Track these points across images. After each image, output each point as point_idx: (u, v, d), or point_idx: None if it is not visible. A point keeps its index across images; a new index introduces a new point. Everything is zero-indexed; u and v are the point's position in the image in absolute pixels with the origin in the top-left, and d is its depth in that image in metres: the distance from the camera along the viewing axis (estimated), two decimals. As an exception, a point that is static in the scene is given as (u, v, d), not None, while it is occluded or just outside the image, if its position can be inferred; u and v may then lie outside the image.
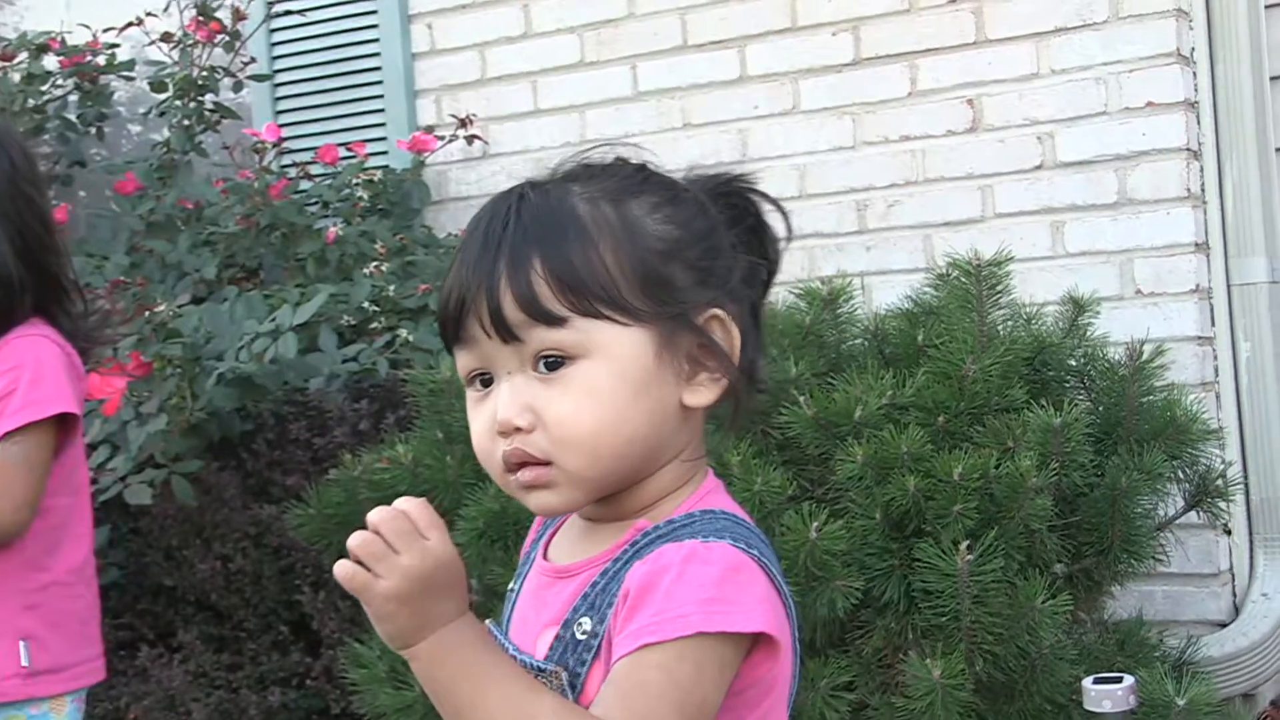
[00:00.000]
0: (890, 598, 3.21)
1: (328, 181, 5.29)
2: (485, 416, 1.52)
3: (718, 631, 1.41)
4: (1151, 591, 4.24)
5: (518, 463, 1.50)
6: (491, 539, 3.44)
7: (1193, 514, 3.75)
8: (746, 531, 1.52)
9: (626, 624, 1.43)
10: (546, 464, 1.49)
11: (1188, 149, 4.34)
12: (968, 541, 3.09)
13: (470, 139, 5.19)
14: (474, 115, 5.23)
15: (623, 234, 1.52)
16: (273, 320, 4.28)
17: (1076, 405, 3.43)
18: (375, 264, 4.79)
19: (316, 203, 5.26)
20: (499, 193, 1.57)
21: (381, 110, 5.59)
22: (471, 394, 1.56)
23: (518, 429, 1.49)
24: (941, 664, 3.03)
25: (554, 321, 1.48)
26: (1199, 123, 4.42)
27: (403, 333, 4.50)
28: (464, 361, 1.54)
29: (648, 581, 1.44)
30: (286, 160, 5.49)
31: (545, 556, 1.64)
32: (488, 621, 1.63)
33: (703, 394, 1.54)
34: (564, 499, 1.52)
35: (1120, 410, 3.56)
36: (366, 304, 4.64)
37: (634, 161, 1.61)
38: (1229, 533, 4.34)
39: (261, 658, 4.46)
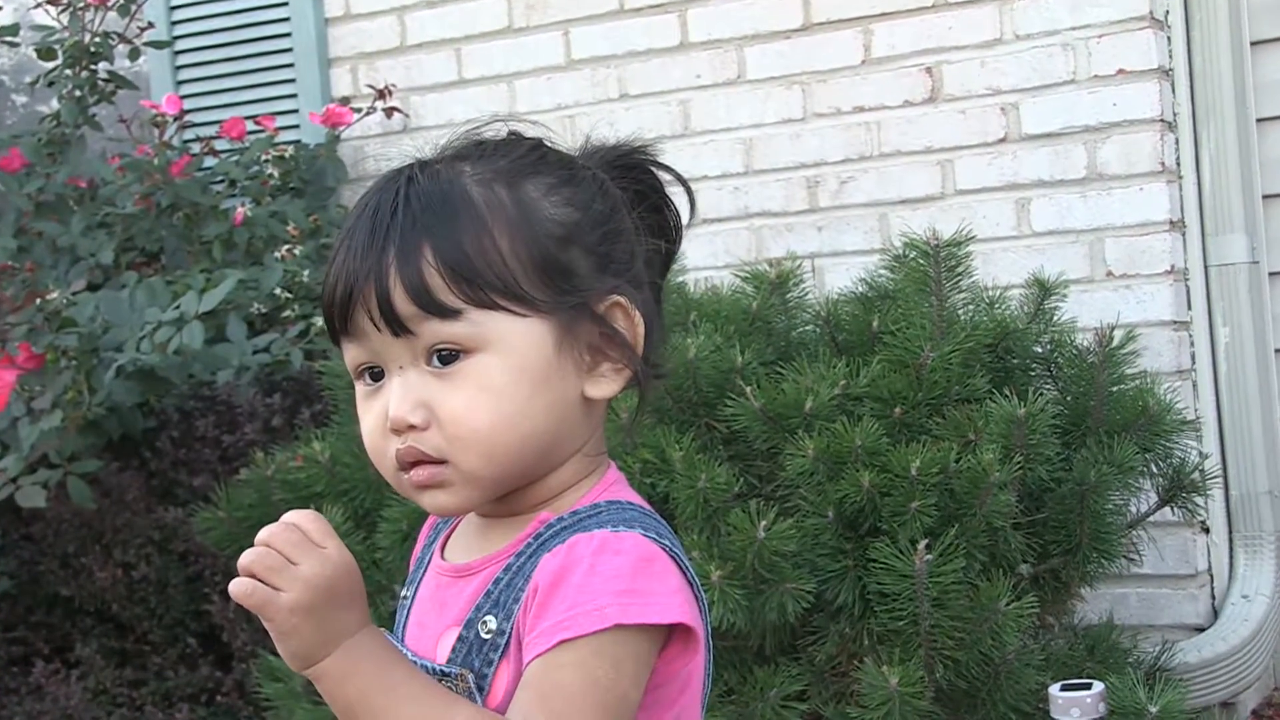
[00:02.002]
0: (844, 601, 3.26)
1: (234, 158, 5.31)
2: (376, 413, 1.55)
3: (635, 624, 1.45)
4: (1124, 594, 4.32)
5: (411, 461, 1.53)
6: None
7: (1167, 511, 3.83)
8: (655, 523, 1.56)
9: (538, 620, 1.47)
10: (441, 463, 1.52)
11: (1162, 120, 4.41)
12: (926, 540, 3.14)
13: (389, 111, 5.22)
14: (393, 86, 5.26)
15: (518, 218, 1.54)
16: (176, 308, 4.30)
17: (1042, 395, 3.49)
18: (287, 247, 4.82)
19: (222, 181, 5.28)
20: (385, 174, 1.59)
21: (292, 80, 5.61)
22: (361, 388, 1.58)
23: (411, 427, 1.52)
24: (899, 671, 3.09)
25: (447, 314, 1.50)
26: (1174, 91, 4.48)
27: (318, 321, 4.53)
28: (352, 355, 1.57)
29: (559, 575, 1.48)
30: (189, 135, 5.51)
31: (442, 556, 1.67)
32: (383, 631, 1.67)
33: (605, 385, 1.58)
34: (459, 499, 1.55)
35: (1089, 400, 3.62)
36: (278, 290, 4.66)
37: (529, 137, 1.63)
38: (1207, 531, 4.42)
39: (167, 672, 4.48)
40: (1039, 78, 4.52)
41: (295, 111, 5.56)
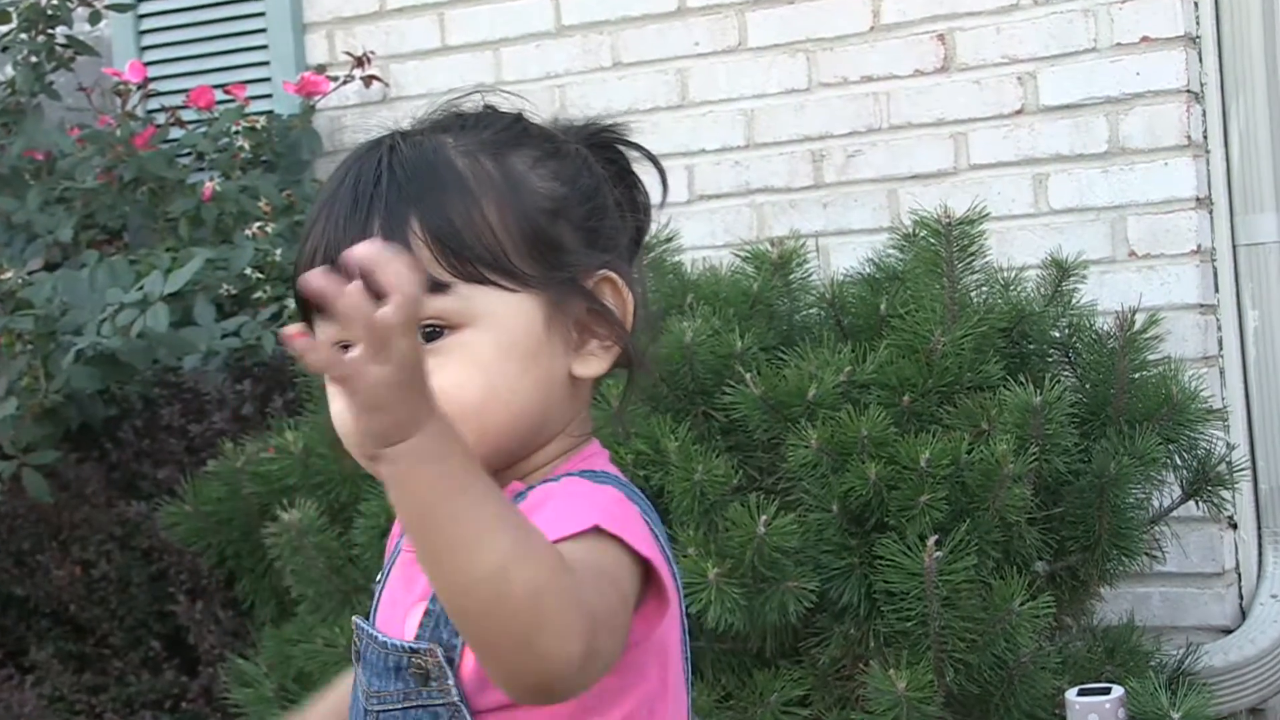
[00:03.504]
0: (849, 600, 3.28)
1: (202, 129, 5.30)
2: None
3: (615, 536, 1.48)
4: (1146, 593, 4.33)
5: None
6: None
7: (1192, 505, 3.85)
8: (633, 492, 1.60)
9: None
10: None
11: (1188, 90, 4.42)
12: (936, 536, 3.17)
13: (368, 80, 5.22)
14: (371, 53, 5.26)
15: (506, 190, 1.59)
16: (140, 289, 4.31)
17: (1059, 382, 3.50)
18: (259, 224, 4.82)
19: (189, 154, 5.28)
20: (362, 144, 1.63)
21: (264, 47, 5.60)
22: None
23: None
24: (907, 675, 3.11)
25: (436, 288, 1.53)
26: (1201, 60, 4.49)
27: (291, 303, 4.54)
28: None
29: (534, 508, 1.50)
30: (154, 104, 5.51)
31: None
32: (355, 618, 1.70)
33: (594, 364, 1.63)
34: None
35: (1109, 387, 3.64)
36: (249, 270, 4.67)
37: (507, 111, 1.67)
38: (1234, 526, 4.43)
39: (129, 678, 4.50)
40: (1058, 45, 4.53)
41: (268, 80, 5.56)
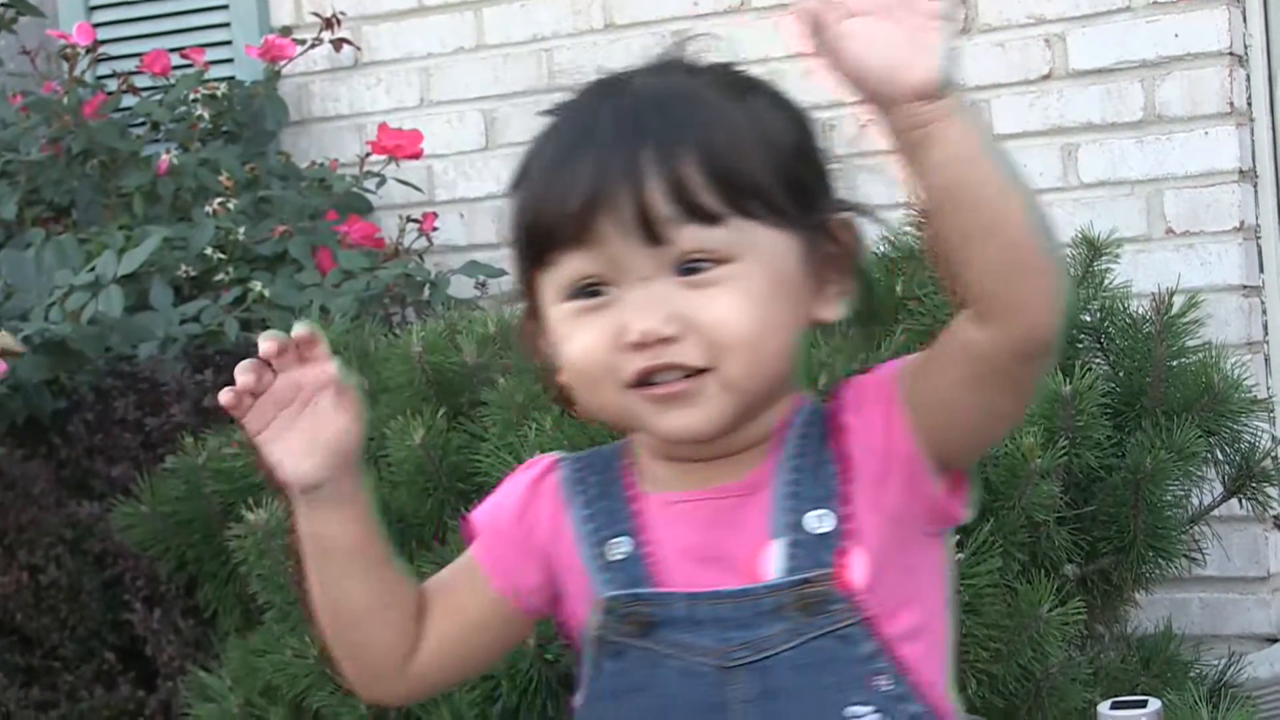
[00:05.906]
0: (863, 606, 3.29)
1: (157, 97, 5.31)
2: (603, 329, 1.64)
3: None
4: (1184, 599, 4.34)
5: (663, 372, 1.63)
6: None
7: (1235, 503, 3.86)
8: None
9: (879, 403, 1.68)
10: (701, 372, 1.62)
11: (1231, 53, 4.42)
12: (958, 537, 3.17)
13: (337, 44, 5.22)
14: (341, 14, 5.25)
15: (760, 129, 1.68)
16: (91, 271, 4.31)
17: (1091, 370, 3.52)
18: (219, 200, 4.82)
19: (144, 124, 5.28)
20: (590, 84, 1.71)
21: (225, 7, 5.60)
22: (572, 305, 1.66)
23: (662, 340, 1.61)
24: (926, 687, 3.12)
25: (711, 219, 1.62)
26: (1245, 21, 4.49)
27: (256, 286, 4.54)
28: (576, 266, 1.64)
29: (857, 390, 1.69)
30: (104, 69, 5.51)
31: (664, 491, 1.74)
32: (644, 590, 1.71)
33: (833, 308, 1.72)
34: (711, 413, 1.64)
35: (1145, 376, 3.65)
36: (209, 250, 4.67)
37: (715, 60, 1.76)
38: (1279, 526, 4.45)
39: (81, 693, 4.50)
40: (1089, 5, 4.53)
41: (229, 44, 5.56)
